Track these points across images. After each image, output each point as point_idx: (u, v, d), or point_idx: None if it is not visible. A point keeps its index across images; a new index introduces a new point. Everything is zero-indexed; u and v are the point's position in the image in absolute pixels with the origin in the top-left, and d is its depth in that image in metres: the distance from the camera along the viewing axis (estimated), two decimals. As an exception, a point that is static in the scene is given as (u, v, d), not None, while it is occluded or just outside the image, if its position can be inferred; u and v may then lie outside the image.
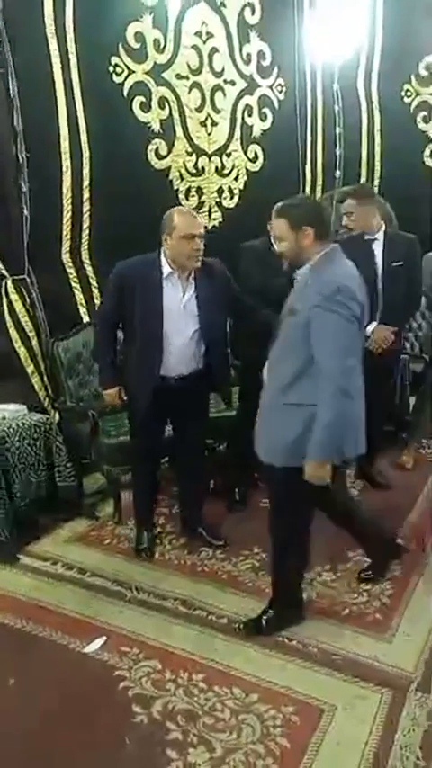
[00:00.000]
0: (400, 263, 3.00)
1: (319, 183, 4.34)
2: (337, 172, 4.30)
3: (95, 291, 3.29)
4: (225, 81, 3.73)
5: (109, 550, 2.84)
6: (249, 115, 3.90)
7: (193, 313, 2.49)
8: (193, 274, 2.49)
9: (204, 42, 3.59)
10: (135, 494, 2.93)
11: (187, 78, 3.54)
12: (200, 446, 2.93)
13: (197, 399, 2.68)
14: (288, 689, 2.01)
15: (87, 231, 3.24)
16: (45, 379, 3.09)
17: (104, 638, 2.25)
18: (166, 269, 2.46)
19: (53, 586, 2.58)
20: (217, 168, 3.79)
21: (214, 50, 3.64)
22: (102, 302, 2.82)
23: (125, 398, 2.63)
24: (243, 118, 3.86)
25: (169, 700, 1.98)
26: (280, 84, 4.03)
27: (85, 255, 3.26)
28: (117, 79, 3.23)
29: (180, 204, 3.60)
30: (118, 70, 3.22)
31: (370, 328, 3.01)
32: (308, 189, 4.30)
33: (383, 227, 3.05)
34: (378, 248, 3.02)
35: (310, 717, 1.90)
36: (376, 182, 4.49)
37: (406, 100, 4.62)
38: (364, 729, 1.85)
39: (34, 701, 2.00)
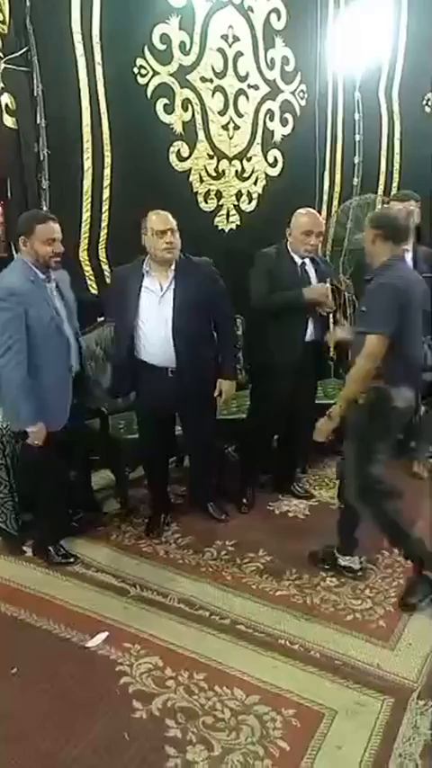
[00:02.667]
0: (430, 274, 2.99)
1: (337, 189, 4.34)
2: (355, 179, 4.31)
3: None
4: (249, 85, 3.74)
5: (114, 546, 2.85)
6: (271, 120, 3.91)
7: (168, 308, 2.61)
8: (173, 272, 2.63)
9: (230, 46, 3.61)
10: (148, 480, 3.09)
11: (211, 81, 3.56)
12: (210, 424, 2.96)
13: (198, 391, 2.75)
14: (289, 692, 2.00)
15: (105, 230, 3.26)
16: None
17: (107, 633, 2.26)
18: (147, 266, 2.66)
19: (58, 580, 2.60)
20: (237, 172, 3.81)
21: (239, 54, 3.66)
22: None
23: None
24: (265, 122, 3.87)
25: (169, 697, 1.98)
26: (302, 90, 4.04)
27: (101, 254, 3.29)
28: (141, 80, 3.26)
29: (199, 206, 3.63)
30: (143, 71, 3.25)
31: None
32: (326, 195, 4.30)
33: (413, 239, 3.04)
34: (409, 259, 3.00)
35: (310, 720, 1.90)
36: (394, 190, 4.48)
37: (427, 109, 4.63)
38: (364, 735, 1.84)
39: (35, 693, 2.01)
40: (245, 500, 3.19)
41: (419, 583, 2.43)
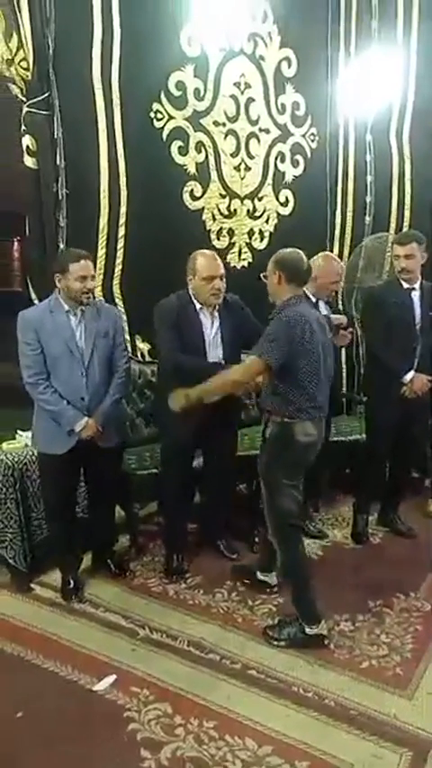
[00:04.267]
0: None
1: (348, 228, 4.41)
2: (367, 218, 4.37)
3: (125, 326, 3.34)
4: (260, 129, 3.85)
5: (123, 585, 2.80)
6: (282, 161, 4.00)
7: (218, 343, 2.74)
8: (216, 308, 2.74)
9: (242, 92, 3.72)
10: (168, 518, 3.06)
11: (224, 125, 3.66)
12: (229, 461, 2.97)
13: (229, 419, 2.86)
14: (302, 743, 1.93)
15: (120, 267, 3.32)
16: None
17: (114, 676, 2.20)
18: (197, 303, 2.71)
19: (65, 619, 2.55)
20: (248, 211, 3.88)
21: (251, 100, 3.77)
22: (164, 338, 2.79)
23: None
24: (276, 164, 3.96)
25: (179, 746, 1.91)
26: (313, 134, 4.14)
27: (116, 291, 3.34)
28: (157, 124, 3.36)
29: (211, 244, 3.68)
30: (159, 116, 3.36)
31: (408, 377, 2.99)
32: (337, 233, 4.36)
33: (420, 277, 3.05)
34: (416, 297, 3.02)
35: (324, 774, 1.82)
36: (405, 229, 4.53)
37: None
38: (382, 792, 1.76)
39: (39, 736, 1.95)
40: (256, 539, 3.14)
41: (288, 624, 2.44)
